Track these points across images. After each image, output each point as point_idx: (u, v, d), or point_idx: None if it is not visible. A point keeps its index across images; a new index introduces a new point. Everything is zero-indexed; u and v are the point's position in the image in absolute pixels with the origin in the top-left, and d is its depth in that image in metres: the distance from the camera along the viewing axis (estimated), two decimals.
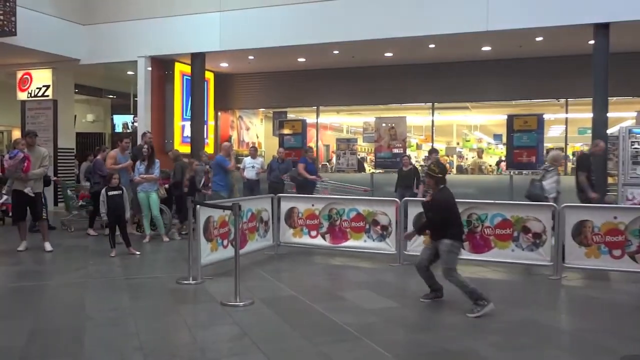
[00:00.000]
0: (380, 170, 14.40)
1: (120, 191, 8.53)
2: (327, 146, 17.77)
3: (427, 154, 12.62)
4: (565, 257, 7.01)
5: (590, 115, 10.92)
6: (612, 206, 7.58)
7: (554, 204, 7.27)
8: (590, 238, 6.93)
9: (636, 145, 10.22)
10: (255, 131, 18.37)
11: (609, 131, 11.39)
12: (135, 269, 7.70)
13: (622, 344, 4.53)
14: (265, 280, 6.94)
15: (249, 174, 11.73)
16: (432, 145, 14.19)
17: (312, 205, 8.61)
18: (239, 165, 12.28)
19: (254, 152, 12.29)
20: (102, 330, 4.95)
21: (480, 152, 16.45)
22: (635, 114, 12.45)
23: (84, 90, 17.65)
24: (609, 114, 10.88)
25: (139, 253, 8.57)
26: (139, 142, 11.34)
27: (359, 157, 15.80)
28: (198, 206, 6.80)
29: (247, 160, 11.99)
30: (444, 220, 5.64)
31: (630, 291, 6.34)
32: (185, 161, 10.56)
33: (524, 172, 12.90)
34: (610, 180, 11.45)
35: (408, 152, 14.67)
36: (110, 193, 8.42)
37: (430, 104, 14.78)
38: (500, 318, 5.33)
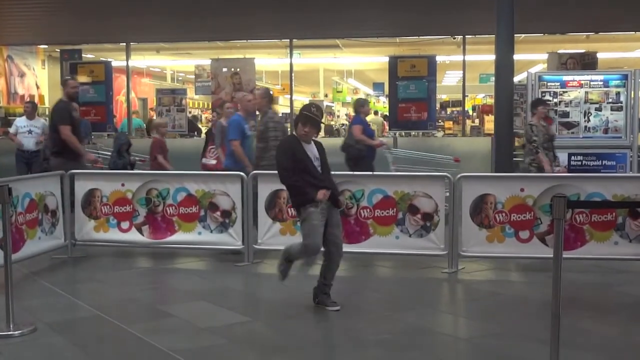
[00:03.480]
0: None
1: None
2: (144, 100, 17.38)
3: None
4: (463, 243, 7.52)
5: (493, 57, 11.70)
6: (518, 175, 8.22)
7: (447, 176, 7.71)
8: (493, 217, 7.49)
9: (548, 97, 11.07)
10: (33, 79, 17.48)
11: (516, 78, 12.31)
12: None
13: (529, 350, 4.98)
14: (54, 296, 6.71)
15: (26, 141, 11.30)
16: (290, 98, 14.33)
17: (122, 185, 8.41)
18: (9, 129, 11.70)
19: (31, 110, 11.75)
20: None
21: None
22: (546, 55, 13.50)
23: None
24: (515, 56, 11.73)
25: None
26: None
27: (190, 115, 15.62)
28: None
29: (21, 121, 11.45)
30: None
31: (540, 282, 6.94)
32: None
33: (412, 133, 13.53)
34: (517, 142, 12.34)
35: None
36: None
37: (288, 40, 14.98)
38: (384, 327, 5.61)
